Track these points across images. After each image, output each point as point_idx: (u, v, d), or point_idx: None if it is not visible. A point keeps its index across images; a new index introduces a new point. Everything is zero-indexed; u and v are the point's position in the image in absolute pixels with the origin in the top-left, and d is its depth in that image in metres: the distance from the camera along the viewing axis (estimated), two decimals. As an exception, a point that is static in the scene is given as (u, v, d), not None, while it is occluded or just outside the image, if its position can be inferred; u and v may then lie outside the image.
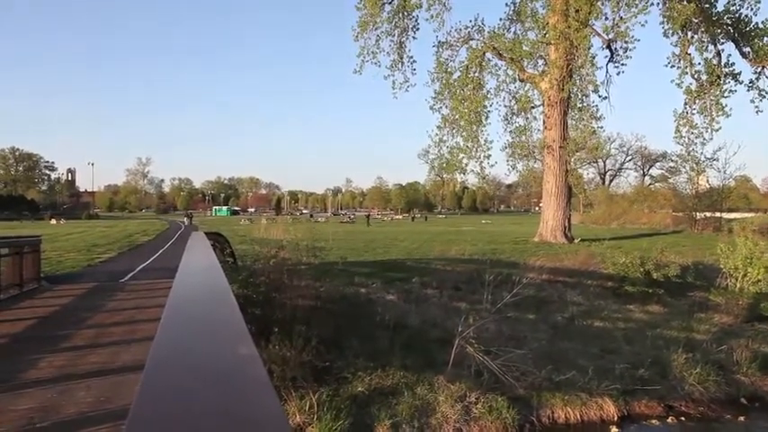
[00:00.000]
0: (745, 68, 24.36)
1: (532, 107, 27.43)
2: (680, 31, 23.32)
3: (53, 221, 68.32)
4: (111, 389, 4.55)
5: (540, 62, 27.11)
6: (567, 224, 26.78)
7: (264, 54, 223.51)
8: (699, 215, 41.75)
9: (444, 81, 26.70)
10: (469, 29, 26.81)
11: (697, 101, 24.24)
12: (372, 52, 27.11)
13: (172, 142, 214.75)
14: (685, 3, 21.21)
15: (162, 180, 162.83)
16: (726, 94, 23.71)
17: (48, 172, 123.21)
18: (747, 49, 24.16)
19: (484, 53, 26.42)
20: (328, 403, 8.60)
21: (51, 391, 4.53)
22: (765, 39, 23.41)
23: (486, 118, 26.20)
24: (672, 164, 70.19)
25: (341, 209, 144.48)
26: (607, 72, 25.15)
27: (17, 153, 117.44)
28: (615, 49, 24.56)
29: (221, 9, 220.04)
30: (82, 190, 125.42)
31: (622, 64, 24.65)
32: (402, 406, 8.85)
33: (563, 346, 11.92)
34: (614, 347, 12.13)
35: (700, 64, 23.89)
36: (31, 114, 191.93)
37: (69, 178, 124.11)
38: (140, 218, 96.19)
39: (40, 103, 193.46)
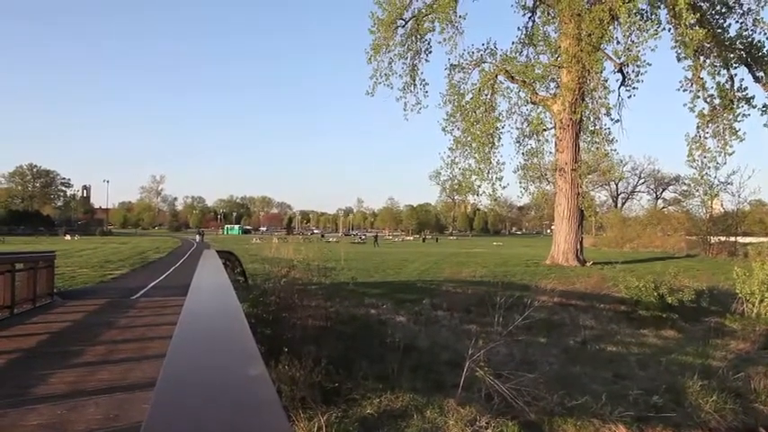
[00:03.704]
0: (758, 93, 24.30)
1: (544, 129, 27.49)
2: (692, 56, 23.34)
3: (67, 237, 69.12)
4: (120, 406, 4.55)
5: (552, 85, 27.24)
6: (579, 247, 26.60)
7: (277, 73, 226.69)
8: (713, 239, 41.26)
9: (456, 103, 26.85)
10: (482, 52, 27.07)
11: (710, 125, 24.15)
12: (385, 74, 27.53)
13: (186, 160, 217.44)
14: (697, 28, 21.23)
15: (175, 198, 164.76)
16: (739, 119, 23.64)
17: (63, 188, 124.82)
18: (761, 73, 24.12)
19: (496, 76, 26.58)
20: (337, 425, 8.50)
21: (61, 407, 4.54)
22: (779, 63, 23.41)
23: (499, 140, 26.28)
24: (685, 187, 69.91)
25: (352, 229, 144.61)
26: (619, 95, 25.22)
27: (34, 170, 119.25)
28: (627, 72, 24.62)
29: (230, 28, 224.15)
30: (96, 207, 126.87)
31: (634, 87, 24.67)
32: (411, 429, 8.73)
33: (575, 371, 11.74)
34: (628, 373, 11.92)
35: (712, 88, 23.88)
36: (49, 131, 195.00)
37: (84, 195, 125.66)
38: (153, 235, 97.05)
39: (58, 119, 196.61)
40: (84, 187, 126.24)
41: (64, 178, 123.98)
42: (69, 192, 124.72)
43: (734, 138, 23.59)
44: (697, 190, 34.81)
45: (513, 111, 27.98)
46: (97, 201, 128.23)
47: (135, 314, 10.08)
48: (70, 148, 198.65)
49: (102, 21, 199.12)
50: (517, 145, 28.83)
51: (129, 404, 4.60)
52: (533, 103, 27.29)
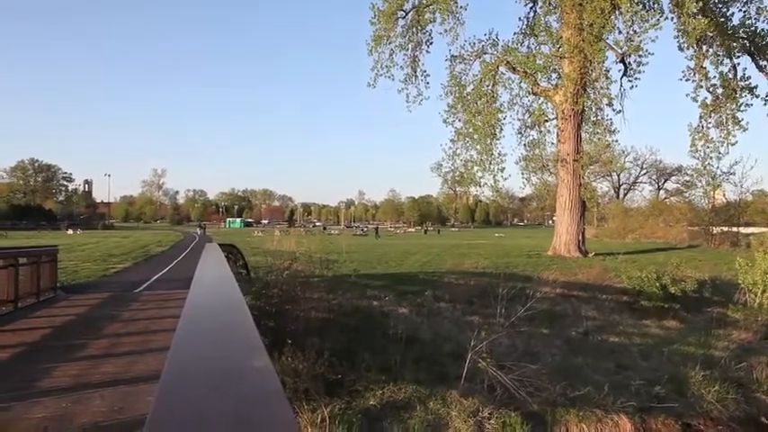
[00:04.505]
0: (761, 82, 24.18)
1: (546, 120, 27.38)
2: (695, 45, 23.21)
3: (69, 231, 69.17)
4: (125, 398, 4.57)
5: (554, 75, 27.02)
6: (581, 238, 26.59)
7: (278, 67, 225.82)
8: (715, 230, 41.23)
9: (458, 94, 26.75)
10: (483, 42, 26.93)
11: (713, 114, 24.06)
12: (386, 66, 27.43)
13: (187, 154, 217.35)
14: (700, 17, 21.09)
15: (177, 191, 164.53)
16: (742, 108, 23.53)
17: (65, 183, 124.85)
18: (764, 62, 24.00)
19: (497, 67, 26.45)
20: (340, 416, 8.55)
21: (66, 400, 4.57)
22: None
23: (500, 131, 26.19)
24: (687, 178, 69.76)
25: (354, 221, 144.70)
26: (621, 85, 25.13)
27: (36, 164, 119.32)
28: (629, 62, 24.52)
29: (233, 24, 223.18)
30: (98, 201, 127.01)
31: (636, 78, 24.60)
32: (414, 420, 8.77)
33: (577, 362, 11.77)
34: (630, 363, 11.94)
35: (715, 78, 23.76)
36: (50, 130, 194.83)
37: (86, 189, 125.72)
38: (155, 229, 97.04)
39: (59, 119, 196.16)
40: (86, 181, 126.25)
41: (65, 173, 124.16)
42: (71, 186, 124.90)
43: (737, 127, 23.52)
44: (699, 180, 34.88)
45: (515, 102, 27.84)
46: (99, 195, 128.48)
47: (138, 307, 10.12)
48: (71, 146, 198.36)
49: (101, 21, 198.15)
50: (519, 136, 28.76)
51: (133, 396, 4.62)
52: (535, 93, 27.15)
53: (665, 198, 79.09)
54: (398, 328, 12.01)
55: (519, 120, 28.39)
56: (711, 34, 23.24)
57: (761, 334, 14.45)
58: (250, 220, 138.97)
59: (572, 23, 23.69)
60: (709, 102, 23.88)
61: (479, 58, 26.83)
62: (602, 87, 23.75)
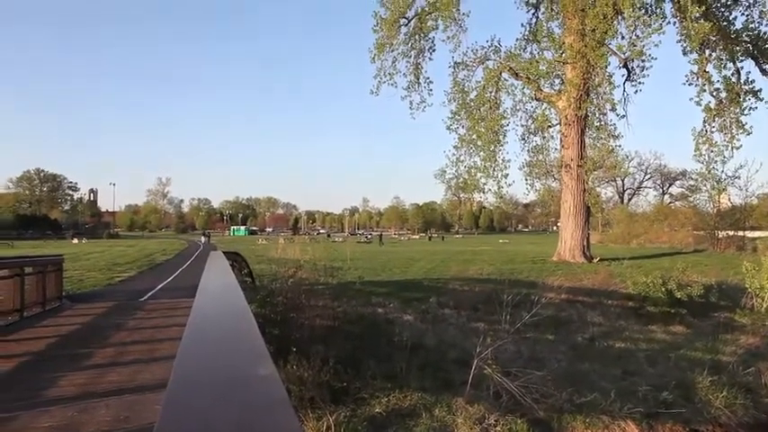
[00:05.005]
0: (765, 85, 24.14)
1: (549, 126, 27.36)
2: (698, 50, 23.18)
3: (75, 241, 69.43)
4: (130, 407, 4.58)
5: (557, 81, 27.06)
6: (585, 243, 26.51)
7: (280, 74, 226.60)
8: (721, 234, 41.03)
9: (461, 101, 26.79)
10: (486, 49, 26.97)
11: (716, 118, 23.97)
12: (389, 73, 27.51)
13: (191, 161, 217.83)
14: (702, 21, 21.08)
15: (181, 200, 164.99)
16: (746, 112, 23.45)
17: (71, 192, 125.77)
18: (767, 66, 23.93)
19: (500, 73, 26.49)
20: (346, 424, 8.52)
21: (72, 409, 4.57)
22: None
23: (504, 137, 26.20)
24: (692, 182, 69.47)
25: (358, 228, 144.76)
26: (624, 90, 25.13)
27: (42, 174, 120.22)
28: (632, 67, 24.55)
29: (233, 28, 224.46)
30: (103, 210, 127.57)
31: (640, 82, 24.61)
32: (420, 428, 8.73)
33: (583, 368, 11.70)
34: (636, 369, 11.87)
35: (719, 81, 23.69)
36: (52, 136, 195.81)
37: (91, 198, 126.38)
38: (160, 237, 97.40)
39: (61, 124, 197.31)
40: (91, 191, 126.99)
41: (71, 182, 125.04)
42: (76, 195, 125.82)
43: (741, 131, 23.42)
44: (704, 184, 34.72)
45: (518, 108, 27.86)
46: (104, 204, 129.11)
47: (143, 316, 10.13)
48: (75, 153, 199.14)
49: (103, 28, 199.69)
50: (522, 142, 28.74)
51: (139, 405, 4.62)
52: (538, 99, 27.18)
53: (670, 203, 78.93)
54: (403, 335, 11.97)
55: (522, 126, 28.42)
56: (714, 38, 23.22)
57: (769, 338, 14.35)
58: (254, 228, 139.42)
59: (574, 29, 23.72)
60: (712, 106, 23.81)
61: (482, 64, 26.88)
62: (605, 92, 23.77)
